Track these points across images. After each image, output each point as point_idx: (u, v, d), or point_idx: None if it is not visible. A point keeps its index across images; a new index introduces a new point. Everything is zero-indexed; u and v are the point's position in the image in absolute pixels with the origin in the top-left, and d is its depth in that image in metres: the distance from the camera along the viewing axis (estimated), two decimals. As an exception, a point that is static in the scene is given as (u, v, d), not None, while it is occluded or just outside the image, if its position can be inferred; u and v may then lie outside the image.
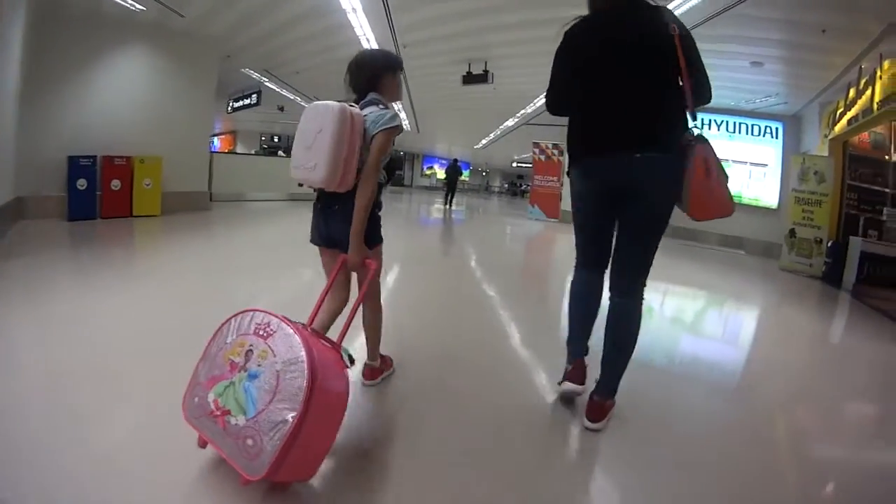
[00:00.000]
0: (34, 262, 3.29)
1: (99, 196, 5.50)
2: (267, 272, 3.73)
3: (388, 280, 3.63)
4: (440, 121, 15.69)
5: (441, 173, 29.27)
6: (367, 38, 6.67)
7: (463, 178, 29.79)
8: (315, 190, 1.59)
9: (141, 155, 5.89)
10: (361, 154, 1.50)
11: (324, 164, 1.43)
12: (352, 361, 1.38)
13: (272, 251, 4.74)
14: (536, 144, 11.89)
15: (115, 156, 5.66)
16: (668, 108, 1.52)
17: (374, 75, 1.64)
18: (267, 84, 10.70)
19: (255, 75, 10.03)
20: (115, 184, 5.60)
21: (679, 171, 1.49)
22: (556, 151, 11.67)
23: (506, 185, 34.88)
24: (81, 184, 5.32)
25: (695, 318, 3.85)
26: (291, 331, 1.17)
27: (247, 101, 11.83)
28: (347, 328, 1.41)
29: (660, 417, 1.87)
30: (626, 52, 1.51)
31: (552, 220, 11.46)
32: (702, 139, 1.49)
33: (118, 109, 5.94)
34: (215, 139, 20.60)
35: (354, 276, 1.69)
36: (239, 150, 19.73)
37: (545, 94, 1.74)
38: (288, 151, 14.76)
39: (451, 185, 13.53)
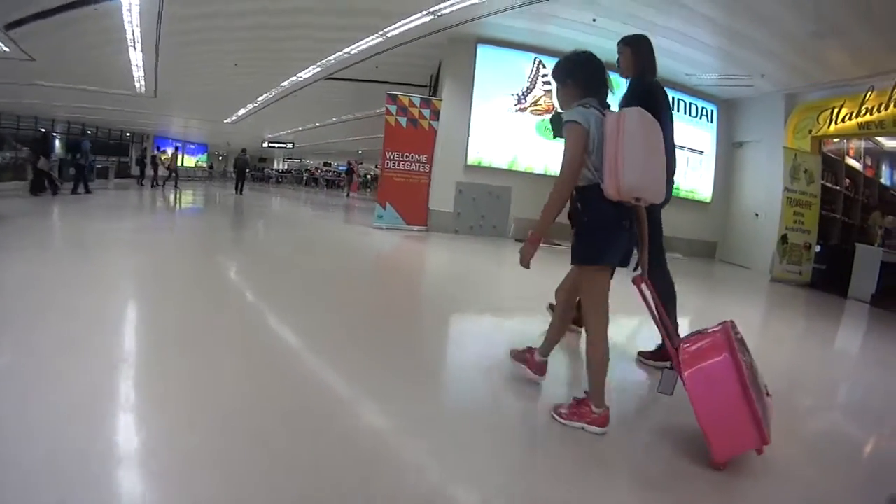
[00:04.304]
0: None
1: None
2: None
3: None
4: (199, 73, 9.98)
5: (178, 158, 24.71)
6: None
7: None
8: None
9: None
10: None
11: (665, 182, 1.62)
12: None
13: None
14: (394, 99, 7.41)
15: None
16: None
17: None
18: None
19: None
20: None
21: None
22: (426, 111, 7.38)
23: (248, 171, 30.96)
24: None
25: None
26: (725, 327, 1.60)
27: None
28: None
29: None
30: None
31: (415, 227, 7.23)
32: None
33: None
34: None
35: None
36: None
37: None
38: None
39: (240, 174, 14.24)
